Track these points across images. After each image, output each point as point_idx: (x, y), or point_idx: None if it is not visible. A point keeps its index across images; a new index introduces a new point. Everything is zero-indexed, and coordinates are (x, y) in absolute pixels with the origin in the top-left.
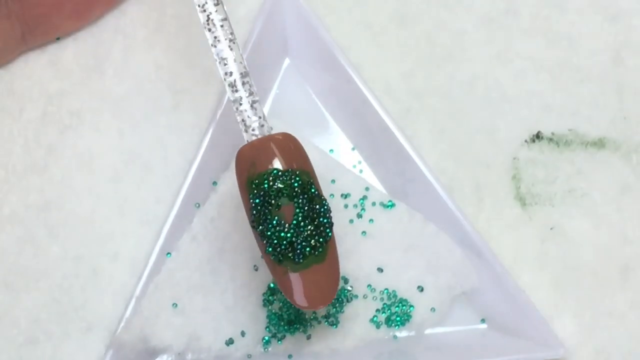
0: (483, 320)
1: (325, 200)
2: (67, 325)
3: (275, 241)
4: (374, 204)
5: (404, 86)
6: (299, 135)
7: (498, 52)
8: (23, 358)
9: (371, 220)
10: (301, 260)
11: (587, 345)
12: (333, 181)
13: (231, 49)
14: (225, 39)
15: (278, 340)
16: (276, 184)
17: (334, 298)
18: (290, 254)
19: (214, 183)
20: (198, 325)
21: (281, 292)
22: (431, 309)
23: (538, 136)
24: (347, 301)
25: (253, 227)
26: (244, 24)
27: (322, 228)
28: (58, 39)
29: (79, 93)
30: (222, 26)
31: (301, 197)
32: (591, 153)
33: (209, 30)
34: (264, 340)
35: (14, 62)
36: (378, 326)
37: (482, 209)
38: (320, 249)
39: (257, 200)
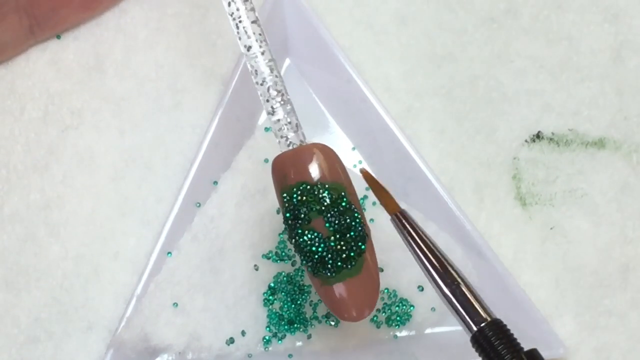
0: None
1: (358, 212)
2: (67, 325)
3: (308, 255)
4: (374, 203)
5: (404, 86)
6: None
7: (498, 52)
8: (24, 357)
9: (372, 219)
10: (334, 275)
11: (587, 345)
12: None
13: (263, 54)
14: (256, 40)
15: (278, 340)
16: (304, 198)
17: (373, 309)
18: (322, 268)
19: (215, 182)
20: (198, 325)
21: (281, 292)
22: (431, 309)
23: (538, 136)
24: None
25: (288, 240)
26: None
27: (353, 242)
28: (59, 37)
29: (80, 92)
30: (257, 33)
31: (331, 211)
32: (591, 153)
33: (240, 38)
34: (265, 340)
35: (15, 61)
36: (378, 326)
37: (483, 209)
38: (353, 263)
39: (288, 215)
